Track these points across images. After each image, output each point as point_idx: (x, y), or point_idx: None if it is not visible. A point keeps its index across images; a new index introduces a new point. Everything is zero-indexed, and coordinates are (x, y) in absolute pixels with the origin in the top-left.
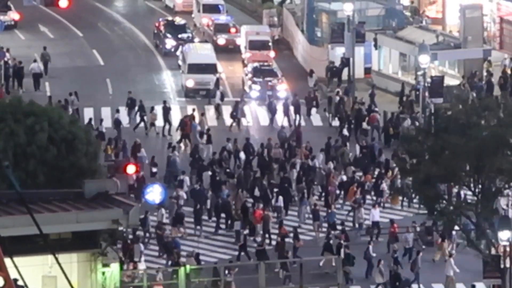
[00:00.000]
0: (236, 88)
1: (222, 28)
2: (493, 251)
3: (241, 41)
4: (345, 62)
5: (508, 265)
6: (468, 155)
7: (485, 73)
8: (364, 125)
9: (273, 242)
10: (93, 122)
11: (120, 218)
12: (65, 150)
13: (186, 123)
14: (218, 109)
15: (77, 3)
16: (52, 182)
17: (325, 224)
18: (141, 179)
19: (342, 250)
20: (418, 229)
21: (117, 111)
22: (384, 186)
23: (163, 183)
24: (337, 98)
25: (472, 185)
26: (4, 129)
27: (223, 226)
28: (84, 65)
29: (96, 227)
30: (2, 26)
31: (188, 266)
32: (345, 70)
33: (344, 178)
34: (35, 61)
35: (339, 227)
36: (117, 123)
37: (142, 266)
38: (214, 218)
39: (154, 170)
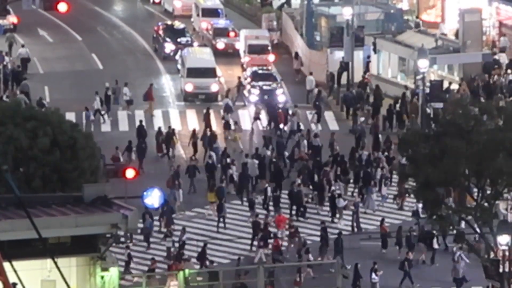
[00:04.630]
0: (234, 92)
1: (221, 32)
2: (492, 256)
3: (240, 45)
4: (344, 66)
5: (507, 269)
6: (468, 159)
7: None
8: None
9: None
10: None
11: (119, 222)
12: (69, 156)
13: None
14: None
15: (76, 7)
16: (49, 184)
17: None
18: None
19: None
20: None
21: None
22: None
23: None
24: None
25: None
26: (5, 132)
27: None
28: (83, 69)
29: (95, 231)
30: (1, 29)
31: (187, 270)
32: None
33: None
34: (23, 46)
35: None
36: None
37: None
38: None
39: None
